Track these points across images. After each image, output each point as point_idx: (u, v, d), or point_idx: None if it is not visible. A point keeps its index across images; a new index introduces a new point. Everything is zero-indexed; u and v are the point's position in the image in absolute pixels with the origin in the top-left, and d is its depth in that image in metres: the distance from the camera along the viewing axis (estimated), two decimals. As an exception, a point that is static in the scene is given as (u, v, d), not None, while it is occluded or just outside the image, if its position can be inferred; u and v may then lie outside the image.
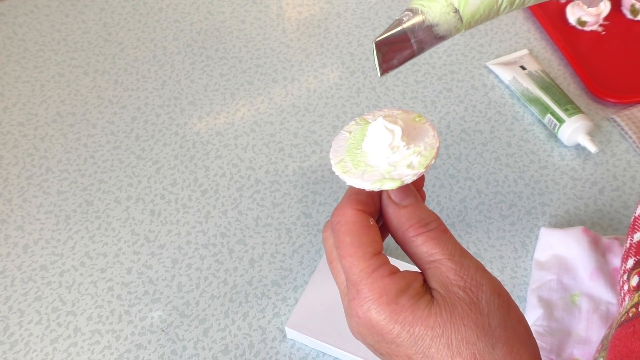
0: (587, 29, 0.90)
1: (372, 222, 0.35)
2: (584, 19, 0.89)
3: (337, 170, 0.35)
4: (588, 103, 0.82)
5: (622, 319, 0.40)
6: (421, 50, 0.35)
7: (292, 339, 0.64)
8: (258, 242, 0.71)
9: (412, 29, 0.34)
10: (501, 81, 0.86)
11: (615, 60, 0.86)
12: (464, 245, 0.70)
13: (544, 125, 0.80)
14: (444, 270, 0.33)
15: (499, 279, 0.67)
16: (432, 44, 0.35)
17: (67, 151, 0.80)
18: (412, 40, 0.34)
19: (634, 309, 0.39)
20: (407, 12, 0.34)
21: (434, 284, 0.33)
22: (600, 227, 0.71)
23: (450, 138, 0.80)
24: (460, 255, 0.34)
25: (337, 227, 0.35)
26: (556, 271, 0.65)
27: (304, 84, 0.87)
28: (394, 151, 0.35)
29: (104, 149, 0.80)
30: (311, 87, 0.86)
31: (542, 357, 0.58)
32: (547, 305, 0.62)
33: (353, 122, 0.38)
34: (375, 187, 0.34)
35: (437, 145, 0.35)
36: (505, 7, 0.36)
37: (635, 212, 0.44)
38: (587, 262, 0.64)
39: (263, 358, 0.63)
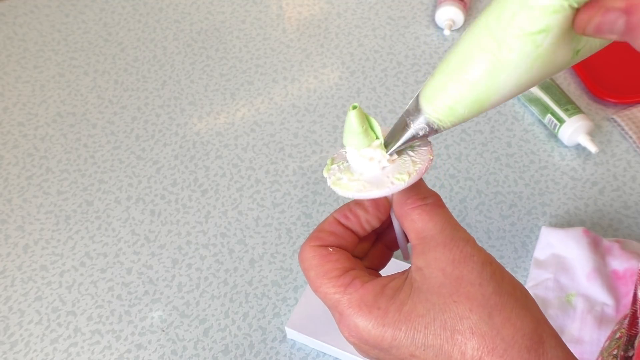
0: (587, 29, 0.89)
1: (331, 249, 0.35)
2: (584, 19, 0.89)
3: (328, 162, 0.37)
4: (588, 103, 0.82)
5: None
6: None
7: (292, 339, 0.64)
8: (258, 242, 0.71)
9: (418, 135, 0.34)
10: (501, 81, 0.85)
11: (615, 60, 0.86)
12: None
13: (544, 125, 0.80)
14: (432, 245, 0.33)
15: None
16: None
17: (67, 151, 0.80)
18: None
19: None
20: (423, 126, 0.33)
21: (421, 262, 0.33)
22: (600, 227, 0.71)
23: (451, 138, 0.80)
24: (453, 228, 0.34)
25: (301, 267, 0.35)
26: (554, 270, 0.65)
27: (304, 84, 0.87)
28: (370, 162, 0.34)
29: (104, 149, 0.80)
30: (311, 87, 0.86)
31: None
32: (542, 303, 0.62)
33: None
34: (333, 187, 0.35)
35: (409, 179, 0.33)
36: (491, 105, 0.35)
37: None
38: (586, 262, 0.64)
39: (263, 358, 0.63)
